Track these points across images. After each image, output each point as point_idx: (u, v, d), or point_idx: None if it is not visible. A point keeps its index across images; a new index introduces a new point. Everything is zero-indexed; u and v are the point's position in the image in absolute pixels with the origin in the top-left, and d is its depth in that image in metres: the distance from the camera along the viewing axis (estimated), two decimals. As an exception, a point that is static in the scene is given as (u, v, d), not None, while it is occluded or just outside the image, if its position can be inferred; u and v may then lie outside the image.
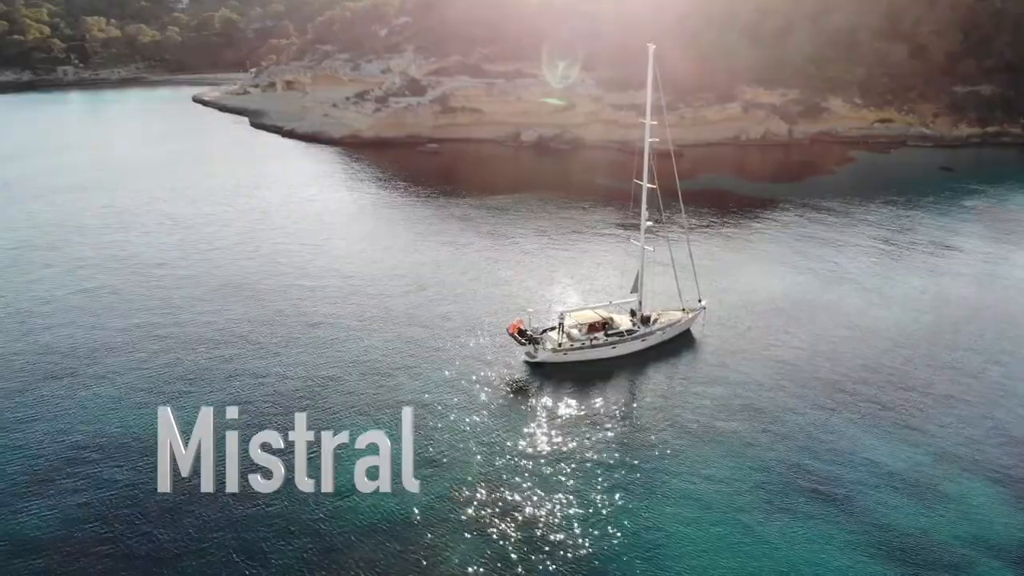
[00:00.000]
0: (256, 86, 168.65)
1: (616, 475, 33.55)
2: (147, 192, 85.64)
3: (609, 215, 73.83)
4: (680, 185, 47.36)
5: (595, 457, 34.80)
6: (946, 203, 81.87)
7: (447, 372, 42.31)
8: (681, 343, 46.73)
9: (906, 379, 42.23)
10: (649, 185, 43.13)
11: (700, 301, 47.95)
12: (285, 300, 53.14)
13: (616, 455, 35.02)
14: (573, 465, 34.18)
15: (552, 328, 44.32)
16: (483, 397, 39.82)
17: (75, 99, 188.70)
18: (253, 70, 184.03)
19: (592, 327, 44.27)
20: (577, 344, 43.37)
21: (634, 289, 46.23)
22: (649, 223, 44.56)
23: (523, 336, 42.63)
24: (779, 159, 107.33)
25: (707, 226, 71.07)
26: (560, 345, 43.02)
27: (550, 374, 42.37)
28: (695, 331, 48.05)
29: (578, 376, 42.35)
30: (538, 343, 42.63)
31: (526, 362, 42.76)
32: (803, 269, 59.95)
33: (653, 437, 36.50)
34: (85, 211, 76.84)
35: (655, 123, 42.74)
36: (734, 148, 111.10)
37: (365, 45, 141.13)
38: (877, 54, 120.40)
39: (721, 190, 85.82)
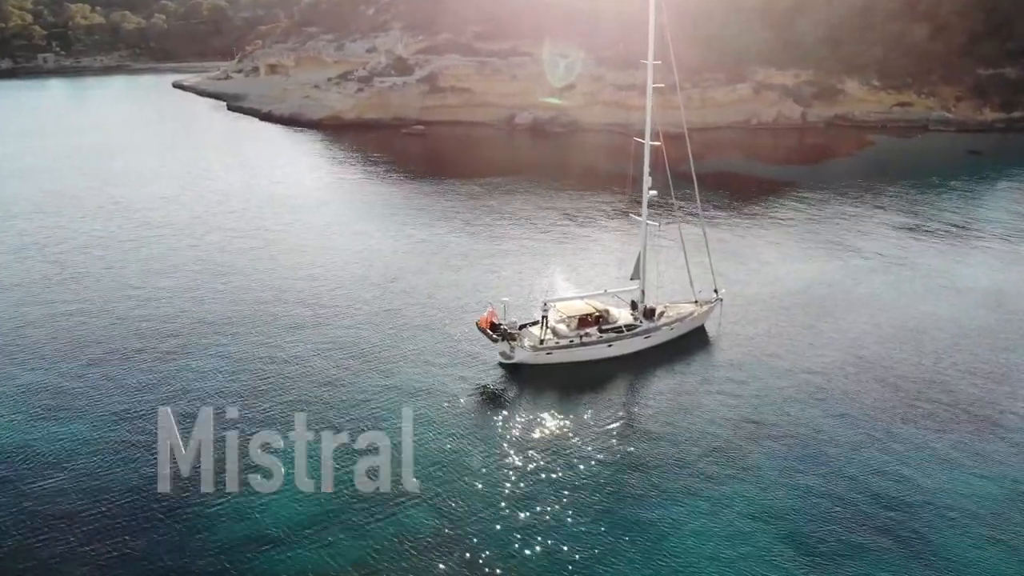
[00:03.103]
0: (239, 71, 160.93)
1: (607, 519, 25.43)
2: (97, 176, 77.70)
3: (608, 199, 65.81)
4: (692, 165, 39.07)
5: (581, 496, 26.67)
6: (982, 188, 73.89)
7: (404, 378, 34.32)
8: (692, 342, 38.49)
9: (972, 389, 34.03)
10: (653, 143, 34.74)
11: (716, 292, 39.68)
12: (224, 292, 45.34)
13: (608, 491, 26.91)
14: (549, 509, 26.06)
15: (534, 323, 36.09)
16: (438, 410, 31.68)
17: (52, 86, 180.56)
18: (238, 56, 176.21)
19: (583, 321, 36.08)
20: (564, 341, 35.19)
21: (635, 275, 37.99)
22: (653, 192, 36.09)
23: (496, 331, 34.46)
24: (793, 143, 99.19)
25: (721, 209, 62.98)
26: (542, 342, 34.83)
27: (530, 379, 34.27)
28: (709, 328, 39.85)
29: (565, 381, 34.31)
30: (515, 340, 34.44)
31: (501, 364, 34.64)
32: (831, 257, 51.80)
33: (657, 465, 28.38)
34: (20, 196, 68.69)
35: (658, 62, 34.31)
36: (744, 132, 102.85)
37: (351, 25, 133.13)
38: (895, 34, 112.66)
39: (734, 173, 77.83)
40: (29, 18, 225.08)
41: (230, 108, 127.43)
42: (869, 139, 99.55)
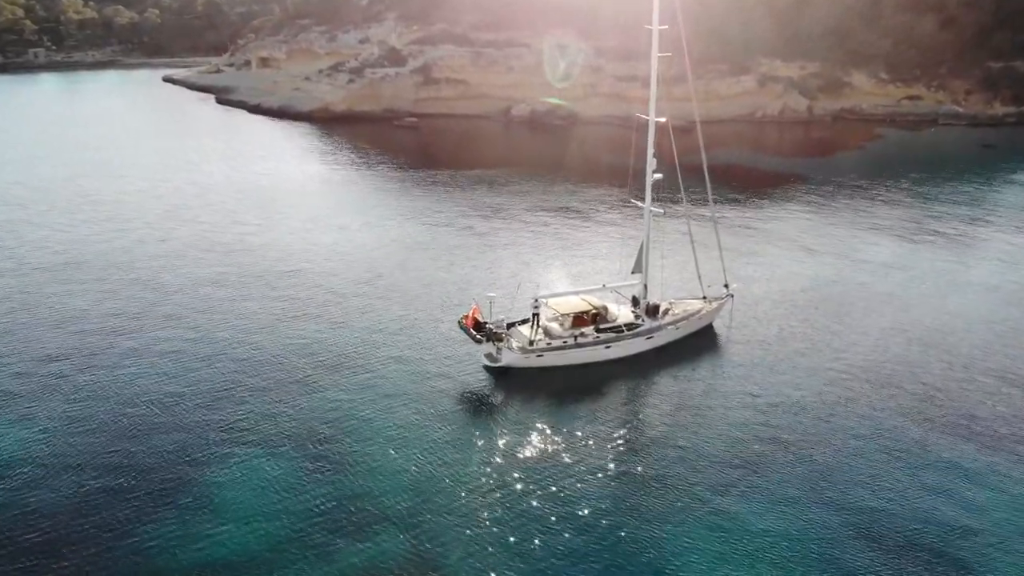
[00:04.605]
0: (231, 65, 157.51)
1: (601, 546, 21.94)
2: (71, 168, 73.89)
3: (608, 189, 62.54)
4: (703, 147, 35.53)
5: (573, 517, 23.21)
6: (1000, 182, 70.37)
7: (378, 385, 30.90)
8: (700, 343, 35.02)
9: (1010, 397, 30.57)
10: (658, 119, 31.20)
11: (727, 287, 36.16)
12: (189, 289, 41.91)
13: (604, 513, 23.44)
14: (538, 532, 22.58)
15: (524, 321, 32.59)
16: (414, 421, 28.22)
17: (42, 81, 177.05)
18: (230, 50, 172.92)
19: (579, 319, 32.64)
20: (557, 342, 31.71)
21: (637, 269, 34.52)
22: (658, 176, 32.57)
23: (480, 331, 30.95)
24: (800, 137, 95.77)
25: (729, 202, 59.52)
26: (533, 343, 31.32)
27: (519, 384, 30.85)
28: (719, 327, 36.34)
29: (558, 387, 30.89)
30: (502, 340, 30.93)
31: (486, 367, 31.14)
32: (847, 252, 48.36)
33: (660, 482, 24.91)
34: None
35: (664, 27, 30.80)
36: (749, 125, 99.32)
37: (344, 16, 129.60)
38: (903, 26, 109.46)
39: (740, 166, 74.55)
40: (20, 12, 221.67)
41: (219, 101, 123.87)
42: (877, 132, 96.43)
